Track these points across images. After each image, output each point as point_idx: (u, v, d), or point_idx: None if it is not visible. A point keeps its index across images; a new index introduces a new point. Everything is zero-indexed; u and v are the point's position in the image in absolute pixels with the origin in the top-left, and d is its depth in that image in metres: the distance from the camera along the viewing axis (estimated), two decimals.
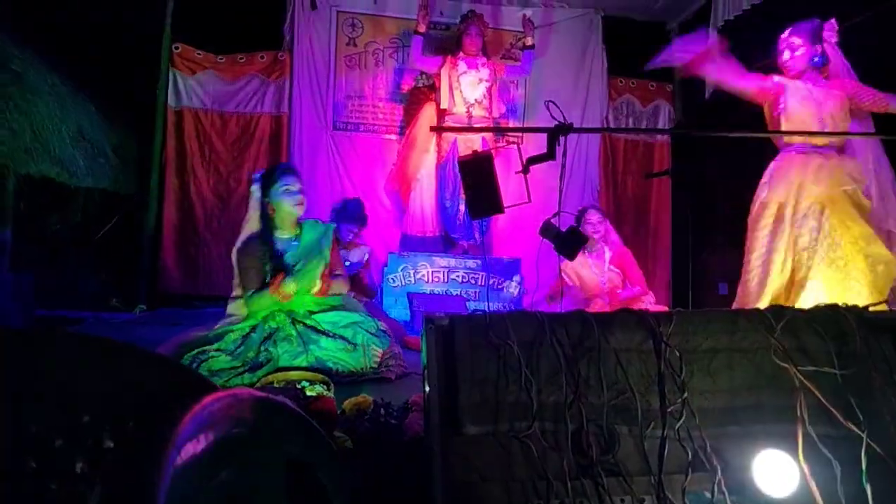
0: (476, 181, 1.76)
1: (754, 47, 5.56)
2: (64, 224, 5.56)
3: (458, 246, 5.12)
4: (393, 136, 5.69)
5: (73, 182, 4.62)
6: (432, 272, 4.91)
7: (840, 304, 1.40)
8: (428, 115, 5.33)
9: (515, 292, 4.89)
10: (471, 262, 4.97)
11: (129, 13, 5.30)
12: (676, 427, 1.20)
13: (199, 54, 5.48)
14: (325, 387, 2.38)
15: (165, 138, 5.37)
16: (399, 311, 4.64)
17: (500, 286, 4.93)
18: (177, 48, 5.42)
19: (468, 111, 5.02)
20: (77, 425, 0.87)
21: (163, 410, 0.77)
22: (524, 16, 5.31)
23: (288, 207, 2.84)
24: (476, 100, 5.03)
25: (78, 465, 0.86)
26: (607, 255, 4.00)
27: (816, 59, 2.96)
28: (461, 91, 5.03)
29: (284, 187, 2.84)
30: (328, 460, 1.04)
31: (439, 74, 5.11)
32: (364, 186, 5.58)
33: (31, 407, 0.84)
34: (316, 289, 2.81)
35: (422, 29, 5.07)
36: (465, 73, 5.03)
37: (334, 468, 1.05)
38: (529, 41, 5.22)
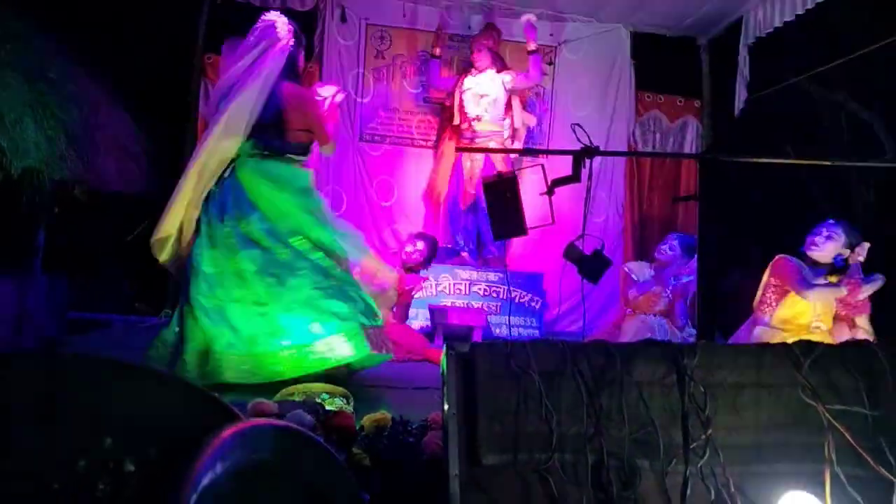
0: (499, 203, 1.75)
1: (786, 65, 5.48)
2: (95, 228, 5.68)
3: (480, 258, 5.13)
4: (417, 149, 5.71)
5: (104, 187, 4.71)
6: (454, 284, 4.91)
7: (871, 339, 1.37)
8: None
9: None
10: (492, 276, 4.96)
11: (164, 24, 5.42)
12: (700, 464, 1.18)
13: None
14: (344, 400, 2.38)
15: (196, 146, 5.45)
16: (421, 322, 4.64)
17: (521, 300, 4.91)
18: (209, 58, 5.51)
19: (470, 126, 5.03)
20: (99, 447, 0.88)
21: (186, 438, 0.78)
22: (527, 21, 5.12)
23: None
24: (478, 115, 5.02)
25: (99, 486, 0.87)
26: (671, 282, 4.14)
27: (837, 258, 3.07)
28: (464, 107, 5.06)
29: None
30: (346, 489, 1.04)
31: (453, 93, 5.17)
32: (388, 197, 5.62)
33: (56, 428, 0.86)
34: None
35: (437, 52, 5.18)
36: (467, 89, 5.07)
37: (352, 496, 1.05)
38: (532, 46, 5.10)
